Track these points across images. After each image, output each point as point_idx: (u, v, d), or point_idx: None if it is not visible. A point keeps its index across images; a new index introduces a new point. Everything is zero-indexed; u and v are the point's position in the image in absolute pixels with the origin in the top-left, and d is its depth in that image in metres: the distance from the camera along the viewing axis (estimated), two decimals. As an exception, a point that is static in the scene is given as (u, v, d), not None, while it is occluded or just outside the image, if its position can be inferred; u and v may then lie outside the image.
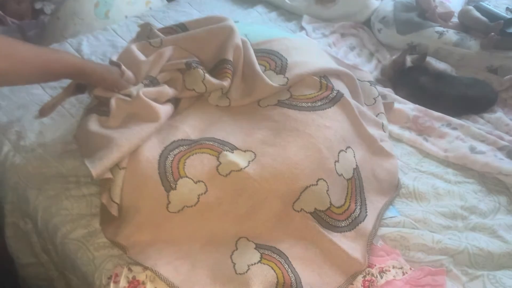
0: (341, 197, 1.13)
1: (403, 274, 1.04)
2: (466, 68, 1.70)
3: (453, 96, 1.53)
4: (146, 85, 1.20)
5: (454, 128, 1.44)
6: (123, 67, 1.20)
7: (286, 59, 1.32)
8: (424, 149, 1.39)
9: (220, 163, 1.07)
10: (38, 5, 2.18)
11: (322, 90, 1.27)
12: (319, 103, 1.23)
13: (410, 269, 1.05)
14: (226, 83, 1.24)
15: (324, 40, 1.86)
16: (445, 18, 1.85)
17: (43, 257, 1.29)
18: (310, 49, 1.46)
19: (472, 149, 1.36)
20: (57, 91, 1.51)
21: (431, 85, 1.56)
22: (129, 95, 1.17)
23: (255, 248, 1.04)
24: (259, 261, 1.01)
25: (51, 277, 1.33)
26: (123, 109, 1.16)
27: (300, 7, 2.07)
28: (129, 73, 1.21)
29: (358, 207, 1.15)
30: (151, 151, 1.09)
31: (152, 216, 1.06)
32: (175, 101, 1.28)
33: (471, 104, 1.54)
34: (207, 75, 1.24)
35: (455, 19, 1.86)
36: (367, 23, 1.98)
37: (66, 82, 1.51)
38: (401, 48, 1.77)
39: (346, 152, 1.17)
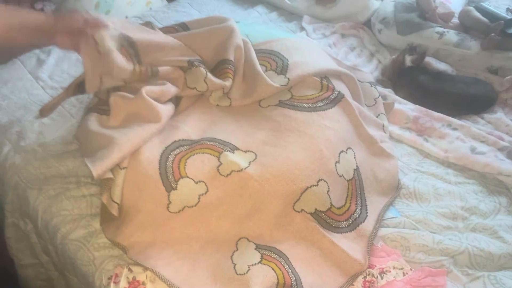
0: (341, 197, 1.13)
1: (404, 274, 1.04)
2: (466, 68, 1.70)
3: (453, 95, 1.53)
4: (142, 70, 1.17)
5: (455, 129, 1.44)
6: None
7: (287, 60, 1.32)
8: (425, 149, 1.39)
9: (221, 163, 1.07)
10: (38, 5, 2.17)
11: (323, 91, 1.27)
12: (320, 104, 1.23)
13: (411, 269, 1.05)
14: (228, 83, 1.24)
15: (324, 40, 1.87)
16: (445, 18, 1.85)
17: (43, 258, 1.29)
18: (311, 50, 1.46)
19: (473, 150, 1.36)
20: (58, 91, 1.52)
21: (431, 85, 1.56)
22: (123, 70, 1.12)
23: (255, 249, 1.04)
24: (260, 262, 1.01)
25: (51, 277, 1.33)
26: (123, 108, 1.16)
27: (301, 7, 2.07)
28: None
29: (359, 207, 1.15)
30: (152, 151, 1.09)
31: (152, 216, 1.06)
32: (176, 100, 1.29)
33: (471, 103, 1.54)
34: (209, 74, 1.24)
35: (455, 20, 1.86)
36: (367, 24, 1.98)
37: (66, 82, 1.52)
38: (401, 49, 1.77)
39: (346, 152, 1.17)
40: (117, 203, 1.06)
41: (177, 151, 1.10)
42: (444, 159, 1.36)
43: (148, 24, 1.43)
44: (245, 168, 1.06)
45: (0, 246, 1.40)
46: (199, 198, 1.05)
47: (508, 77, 1.58)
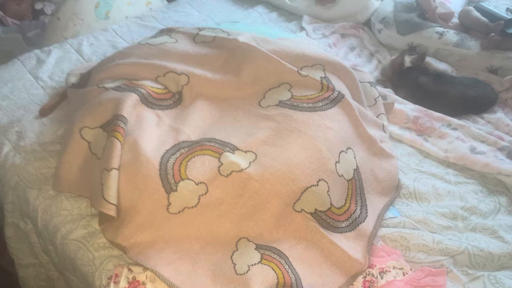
0: (341, 197, 1.13)
1: (404, 274, 1.04)
2: (466, 68, 1.70)
3: (453, 96, 1.53)
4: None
5: (454, 129, 1.44)
6: None
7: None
8: (424, 149, 1.39)
9: (222, 163, 1.08)
10: (38, 6, 2.18)
11: (323, 91, 1.27)
12: (320, 104, 1.23)
13: (411, 269, 1.05)
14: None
15: (324, 40, 1.87)
16: (445, 18, 1.85)
17: (43, 258, 1.29)
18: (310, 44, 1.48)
19: (472, 150, 1.36)
20: (57, 92, 1.52)
21: (431, 85, 1.56)
22: None
23: (255, 249, 1.04)
24: (260, 262, 1.00)
25: (51, 277, 1.33)
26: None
27: (300, 7, 2.07)
28: None
29: (359, 207, 1.15)
30: (153, 153, 1.09)
31: (152, 217, 1.06)
32: (178, 98, 1.29)
33: (471, 104, 1.54)
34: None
35: (455, 20, 1.86)
36: (367, 24, 1.98)
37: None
38: (401, 49, 1.77)
39: (346, 153, 1.18)
40: (114, 204, 1.06)
41: (178, 154, 1.11)
42: (444, 159, 1.36)
43: (169, 30, 1.48)
44: (245, 169, 1.06)
45: (0, 246, 1.41)
46: (199, 199, 1.05)
47: (508, 77, 1.58)
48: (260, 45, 1.37)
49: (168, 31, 1.53)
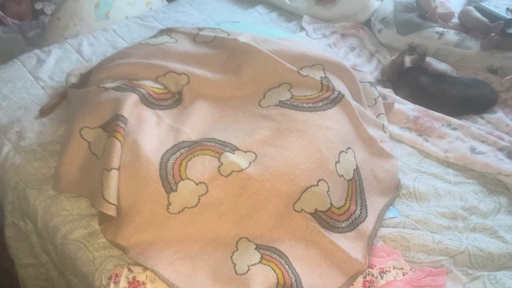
0: (341, 197, 1.13)
1: (404, 274, 1.04)
2: (466, 68, 1.70)
3: (454, 96, 1.53)
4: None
5: (454, 129, 1.44)
6: None
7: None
8: (425, 149, 1.39)
9: (222, 163, 1.08)
10: (38, 6, 2.18)
11: (323, 91, 1.27)
12: (320, 104, 1.23)
13: (411, 269, 1.05)
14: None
15: (324, 40, 1.87)
16: (445, 18, 1.85)
17: (43, 258, 1.29)
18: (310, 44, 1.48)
19: (473, 150, 1.36)
20: (57, 92, 1.52)
21: (431, 86, 1.56)
22: None
23: (255, 249, 1.04)
24: (260, 262, 1.01)
25: (51, 277, 1.33)
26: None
27: (301, 7, 2.07)
28: None
29: (359, 207, 1.15)
30: (153, 153, 1.09)
31: (152, 217, 1.06)
32: (178, 98, 1.29)
33: (471, 104, 1.54)
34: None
35: (455, 20, 1.86)
36: (367, 24, 1.98)
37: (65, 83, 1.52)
38: (401, 49, 1.78)
39: (346, 153, 1.18)
40: (114, 204, 1.06)
41: (178, 154, 1.11)
42: (444, 159, 1.36)
43: (169, 30, 1.48)
44: (245, 169, 1.06)
45: (0, 246, 1.41)
46: (199, 199, 1.05)
47: (508, 77, 1.58)
48: (260, 45, 1.37)
49: (168, 31, 1.53)
